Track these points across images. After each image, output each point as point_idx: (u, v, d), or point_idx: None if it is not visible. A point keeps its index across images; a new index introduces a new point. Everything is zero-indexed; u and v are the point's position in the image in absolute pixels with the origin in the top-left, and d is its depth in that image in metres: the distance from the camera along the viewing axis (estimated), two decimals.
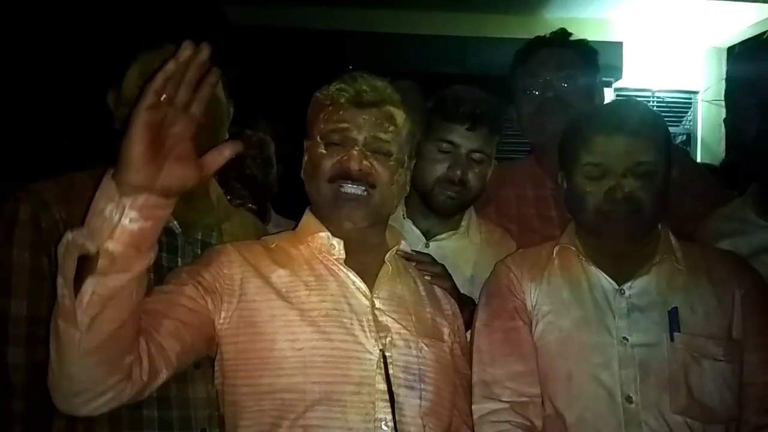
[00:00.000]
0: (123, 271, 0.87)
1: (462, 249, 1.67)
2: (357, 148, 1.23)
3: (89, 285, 0.85)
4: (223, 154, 0.93)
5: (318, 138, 1.27)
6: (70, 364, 0.91)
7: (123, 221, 0.85)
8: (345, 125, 1.24)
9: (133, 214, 0.85)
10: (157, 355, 1.03)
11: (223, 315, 1.16)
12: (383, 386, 1.14)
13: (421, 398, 1.18)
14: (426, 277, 1.40)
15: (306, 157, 1.32)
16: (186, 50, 0.85)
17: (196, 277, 1.15)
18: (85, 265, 0.85)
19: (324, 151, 1.25)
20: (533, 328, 1.37)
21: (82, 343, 0.88)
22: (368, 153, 1.24)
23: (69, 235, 0.86)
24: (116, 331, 0.90)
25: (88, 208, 0.87)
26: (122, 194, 0.85)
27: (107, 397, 0.96)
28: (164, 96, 0.85)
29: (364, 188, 1.23)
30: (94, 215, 0.86)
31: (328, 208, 1.26)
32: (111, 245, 0.85)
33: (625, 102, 2.35)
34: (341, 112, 1.25)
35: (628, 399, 1.26)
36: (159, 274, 1.29)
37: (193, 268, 1.19)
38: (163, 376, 1.05)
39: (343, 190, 1.23)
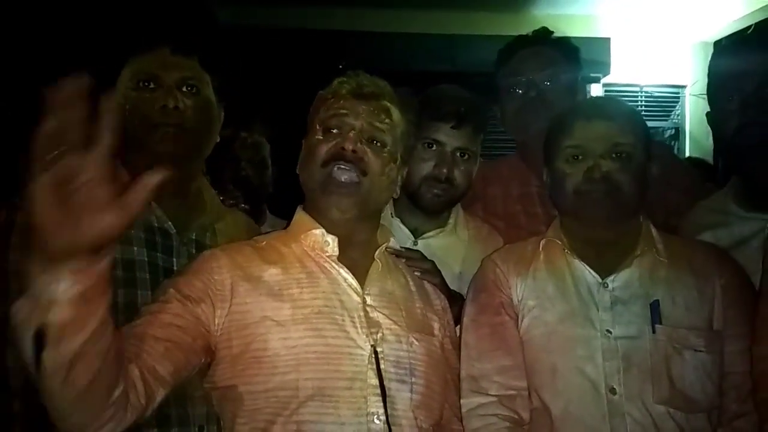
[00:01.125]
0: (76, 333, 0.82)
1: (450, 246, 1.69)
2: (353, 132, 1.27)
3: (46, 358, 0.82)
4: (146, 188, 0.80)
5: (317, 126, 1.30)
6: (60, 409, 0.90)
7: (57, 294, 0.79)
8: (344, 112, 1.28)
9: (65, 284, 0.79)
10: (151, 378, 1.03)
11: (217, 321, 1.16)
12: (375, 381, 1.16)
13: (412, 392, 1.20)
14: (416, 273, 1.42)
15: (302, 151, 1.35)
16: (57, 94, 0.72)
17: (184, 290, 1.15)
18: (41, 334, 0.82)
19: (321, 137, 1.28)
20: (519, 323, 1.39)
21: (63, 395, 0.87)
22: (363, 139, 1.27)
23: (16, 306, 0.82)
24: (93, 379, 0.88)
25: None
26: (45, 269, 0.78)
27: (109, 427, 0.95)
28: (54, 153, 0.74)
29: (355, 174, 1.25)
30: (30, 289, 0.80)
31: (319, 194, 1.27)
32: (54, 316, 0.80)
33: (604, 97, 2.40)
34: (341, 102, 1.29)
35: (612, 390, 1.29)
36: (155, 275, 1.32)
37: (181, 279, 1.19)
38: (160, 396, 1.05)
39: (334, 175, 1.25)
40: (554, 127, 1.46)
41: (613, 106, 1.47)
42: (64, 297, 0.79)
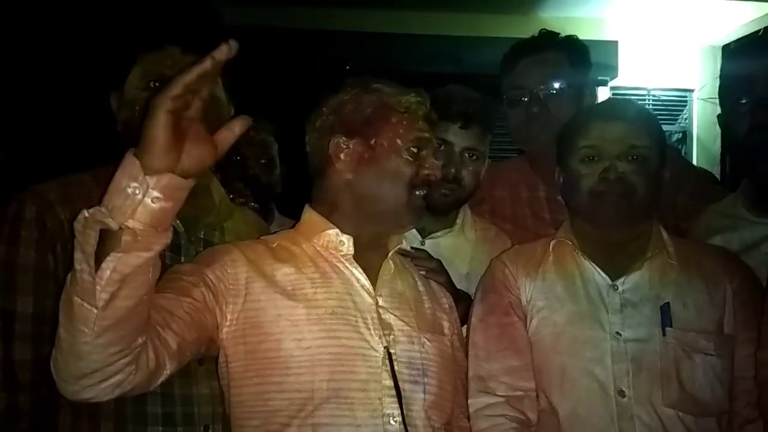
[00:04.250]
0: (144, 250, 0.87)
1: (457, 246, 1.69)
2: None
3: (111, 261, 0.85)
4: (233, 131, 0.94)
5: (398, 142, 1.26)
6: (83, 343, 0.90)
7: (146, 200, 0.85)
8: (427, 138, 1.31)
9: (155, 193, 0.86)
10: (161, 347, 1.03)
11: (229, 317, 1.17)
12: (389, 382, 1.16)
13: (425, 392, 1.20)
14: (421, 272, 1.43)
15: (357, 154, 1.27)
16: (224, 52, 0.85)
17: (203, 276, 1.16)
18: (105, 243, 0.86)
19: (407, 158, 1.27)
20: (528, 324, 1.39)
21: (98, 321, 0.88)
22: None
23: (86, 212, 0.85)
24: (132, 309, 0.91)
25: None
26: (146, 174, 0.85)
27: (115, 380, 0.96)
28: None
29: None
30: (116, 193, 0.85)
31: (402, 211, 1.27)
32: (132, 223, 0.85)
33: (621, 98, 2.39)
34: (421, 124, 1.30)
35: (621, 393, 1.28)
36: (163, 272, 1.32)
37: (198, 268, 1.18)
38: (168, 369, 1.05)
39: (417, 200, 1.29)
40: (570, 127, 1.46)
41: (630, 108, 1.47)
42: (148, 207, 0.86)
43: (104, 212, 0.85)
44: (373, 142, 1.26)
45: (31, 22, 2.33)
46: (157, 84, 1.35)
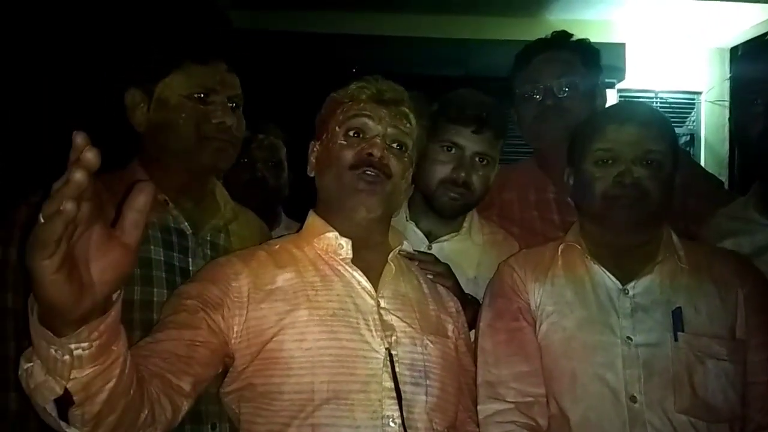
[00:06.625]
0: (104, 384, 0.82)
1: (464, 250, 1.68)
2: (379, 138, 1.28)
3: (75, 415, 0.82)
4: (139, 210, 0.75)
5: (337, 129, 1.30)
6: None
7: (76, 354, 0.77)
8: (367, 117, 1.29)
9: (83, 345, 0.77)
10: (175, 394, 1.03)
11: (235, 329, 1.18)
12: (390, 384, 1.16)
13: (427, 394, 1.19)
14: (429, 276, 1.42)
15: (317, 154, 1.35)
16: (77, 179, 0.66)
17: (204, 298, 1.17)
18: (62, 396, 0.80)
19: (344, 142, 1.29)
20: (537, 329, 1.37)
21: None
22: (387, 144, 1.28)
23: (27, 371, 0.80)
24: (121, 414, 0.88)
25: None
26: (61, 336, 0.76)
27: None
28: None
29: (381, 176, 1.26)
30: (44, 358, 0.77)
31: (346, 194, 1.27)
32: (75, 376, 0.78)
33: (636, 101, 2.39)
34: (362, 105, 1.30)
35: (633, 399, 1.27)
36: (171, 273, 1.33)
37: (200, 286, 1.20)
38: (186, 408, 1.06)
39: (361, 177, 1.26)
40: (584, 129, 1.44)
41: (647, 112, 1.45)
42: (87, 355, 0.78)
43: (44, 371, 0.78)
44: (324, 137, 1.34)
45: (34, 17, 2.31)
46: (201, 95, 1.35)
